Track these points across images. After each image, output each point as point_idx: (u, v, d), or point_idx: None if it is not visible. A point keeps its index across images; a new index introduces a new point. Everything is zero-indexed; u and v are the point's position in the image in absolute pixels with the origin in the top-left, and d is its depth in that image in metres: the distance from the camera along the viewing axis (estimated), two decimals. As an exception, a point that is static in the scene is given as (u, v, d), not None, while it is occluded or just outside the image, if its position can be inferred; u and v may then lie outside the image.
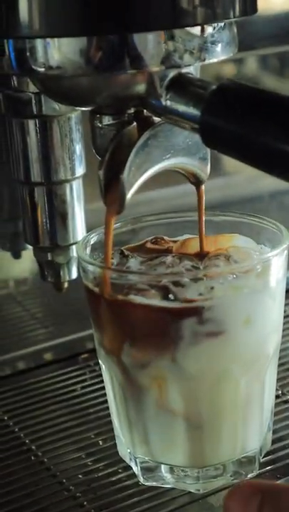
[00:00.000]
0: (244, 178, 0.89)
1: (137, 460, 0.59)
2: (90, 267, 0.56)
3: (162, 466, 0.59)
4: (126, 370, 0.57)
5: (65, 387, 0.74)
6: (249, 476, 0.59)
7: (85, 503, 0.58)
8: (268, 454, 0.61)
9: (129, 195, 0.53)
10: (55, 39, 0.49)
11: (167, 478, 0.59)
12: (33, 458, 0.64)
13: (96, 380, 0.73)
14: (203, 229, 0.59)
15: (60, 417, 0.69)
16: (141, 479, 0.60)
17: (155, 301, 0.53)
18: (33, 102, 0.62)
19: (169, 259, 0.57)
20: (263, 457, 0.60)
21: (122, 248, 0.60)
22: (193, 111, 0.49)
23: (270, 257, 0.55)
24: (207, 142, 0.49)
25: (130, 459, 0.60)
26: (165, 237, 0.62)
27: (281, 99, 0.46)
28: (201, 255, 0.58)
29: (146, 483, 0.59)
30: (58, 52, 0.49)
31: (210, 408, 0.56)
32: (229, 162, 0.90)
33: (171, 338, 0.54)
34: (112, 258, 0.58)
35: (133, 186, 0.53)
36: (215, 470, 0.58)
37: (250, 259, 0.56)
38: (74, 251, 0.66)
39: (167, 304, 0.53)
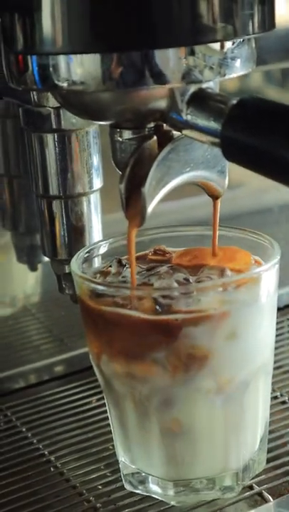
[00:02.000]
0: (252, 190, 0.90)
1: (121, 465, 0.60)
2: (77, 278, 0.57)
3: (143, 474, 0.59)
4: (106, 378, 0.58)
5: (81, 399, 0.74)
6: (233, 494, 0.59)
7: (105, 513, 0.59)
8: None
9: (150, 209, 0.53)
10: (78, 55, 0.50)
11: (148, 487, 0.59)
12: (52, 469, 0.64)
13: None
14: (216, 240, 0.60)
15: (77, 428, 0.70)
16: (125, 485, 0.60)
17: (134, 311, 0.53)
18: (52, 116, 0.63)
19: (163, 270, 0.57)
20: (252, 478, 0.60)
21: (121, 258, 0.60)
22: (213, 125, 0.50)
23: (260, 271, 0.55)
24: (228, 156, 0.50)
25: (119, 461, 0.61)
26: (166, 248, 0.63)
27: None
28: (198, 267, 0.59)
29: (129, 489, 0.60)
30: (81, 68, 0.50)
31: (185, 422, 0.57)
32: (236, 175, 0.91)
33: (149, 347, 0.54)
34: (110, 266, 0.59)
35: (154, 199, 0.54)
36: (192, 485, 0.58)
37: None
38: (91, 264, 0.67)
39: (152, 316, 0.53)
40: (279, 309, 0.85)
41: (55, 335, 0.81)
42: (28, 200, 0.74)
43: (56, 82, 0.51)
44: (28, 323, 0.80)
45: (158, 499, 0.59)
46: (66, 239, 0.67)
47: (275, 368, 0.73)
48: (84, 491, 0.61)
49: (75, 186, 0.65)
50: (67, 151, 0.64)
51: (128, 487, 0.61)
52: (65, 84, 0.51)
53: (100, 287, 0.56)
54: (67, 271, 0.68)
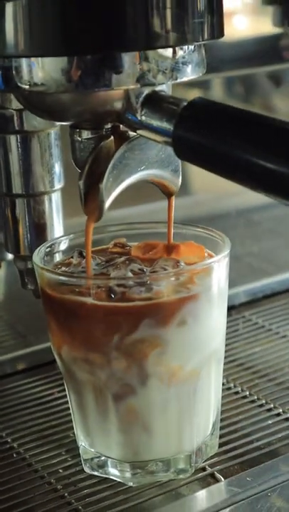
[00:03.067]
0: (212, 196, 0.94)
1: (81, 450, 0.64)
2: (38, 270, 0.61)
3: (102, 458, 0.63)
4: (66, 366, 0.61)
5: (43, 391, 0.77)
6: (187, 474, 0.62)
7: (66, 494, 0.62)
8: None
9: (107, 204, 0.57)
10: (39, 58, 0.53)
11: (107, 470, 0.63)
12: (15, 455, 0.67)
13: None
14: (171, 235, 0.63)
15: (39, 418, 0.72)
16: (85, 468, 0.64)
17: (90, 299, 0.57)
18: (15, 118, 0.66)
19: (119, 261, 0.61)
20: (204, 461, 0.64)
21: (81, 249, 0.64)
22: (166, 125, 0.53)
23: (211, 263, 0.59)
24: (179, 154, 0.53)
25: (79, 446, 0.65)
26: (125, 242, 0.66)
27: (245, 113, 0.51)
28: (154, 259, 0.62)
29: (89, 472, 0.63)
30: (42, 70, 0.53)
31: (140, 407, 0.60)
32: (197, 181, 0.94)
33: (106, 335, 0.57)
34: (72, 257, 0.63)
35: (111, 195, 0.57)
36: (148, 466, 0.62)
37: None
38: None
39: (106, 303, 0.56)
40: (234, 307, 0.91)
41: (18, 331, 0.84)
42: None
43: (18, 83, 0.54)
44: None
45: (116, 481, 0.63)
46: (28, 236, 0.70)
47: (229, 362, 0.78)
48: (45, 475, 0.64)
49: (36, 185, 0.69)
50: (30, 151, 0.68)
51: (88, 470, 0.64)
52: (27, 86, 0.54)
53: (59, 277, 0.59)
54: (29, 266, 0.72)
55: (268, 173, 0.48)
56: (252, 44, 0.87)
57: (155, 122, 0.54)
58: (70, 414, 0.71)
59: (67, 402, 0.73)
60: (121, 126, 0.59)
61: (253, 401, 0.73)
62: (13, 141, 0.67)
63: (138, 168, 0.58)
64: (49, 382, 0.78)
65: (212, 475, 0.63)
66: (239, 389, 0.75)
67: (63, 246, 0.66)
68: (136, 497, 0.61)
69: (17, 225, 0.70)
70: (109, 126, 0.59)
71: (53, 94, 0.55)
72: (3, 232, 0.72)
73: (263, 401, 0.73)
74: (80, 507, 0.60)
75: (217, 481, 0.62)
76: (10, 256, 0.78)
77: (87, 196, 0.57)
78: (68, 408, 0.72)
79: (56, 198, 0.70)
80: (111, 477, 0.63)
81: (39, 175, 0.68)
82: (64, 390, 0.75)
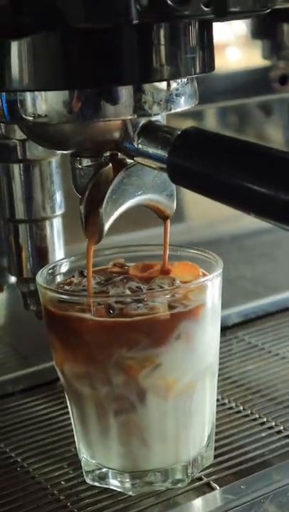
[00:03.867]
0: (206, 222, 0.97)
1: (82, 461, 0.67)
2: (41, 289, 0.64)
3: (103, 470, 0.66)
4: (68, 380, 0.64)
5: (44, 409, 0.80)
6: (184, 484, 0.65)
7: (69, 504, 0.65)
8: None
9: (106, 227, 0.61)
10: (42, 92, 0.57)
11: (108, 480, 0.66)
12: (18, 469, 0.70)
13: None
14: (167, 256, 0.67)
15: (41, 434, 0.76)
16: (86, 479, 0.67)
17: (90, 315, 0.60)
18: (18, 148, 0.70)
19: (118, 279, 0.65)
20: (200, 471, 0.67)
21: (82, 270, 0.67)
22: (161, 152, 0.57)
23: (205, 280, 0.63)
24: (173, 179, 0.57)
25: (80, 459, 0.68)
26: (124, 262, 0.70)
27: (234, 141, 0.55)
28: (151, 277, 0.66)
29: (90, 483, 0.66)
30: (45, 103, 0.57)
31: (139, 420, 0.63)
32: (191, 208, 0.98)
33: (105, 350, 0.61)
34: (73, 277, 0.66)
35: (110, 219, 0.61)
36: (147, 476, 0.65)
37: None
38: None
39: (105, 318, 0.60)
40: (228, 327, 0.94)
41: (20, 352, 0.87)
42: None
43: (23, 115, 0.58)
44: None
45: (116, 491, 0.66)
46: (31, 259, 0.74)
47: (223, 379, 0.81)
48: (48, 486, 0.67)
49: (38, 211, 0.72)
50: (32, 179, 0.72)
51: (89, 481, 0.67)
52: (31, 118, 0.58)
53: (61, 296, 0.63)
54: (31, 288, 0.75)
55: (256, 196, 0.52)
56: (243, 76, 0.91)
57: (151, 150, 0.58)
58: (70, 430, 0.74)
59: (67, 419, 0.76)
60: (119, 154, 0.63)
61: (246, 415, 0.76)
62: (16, 169, 0.71)
63: (135, 193, 0.62)
64: (49, 401, 0.82)
65: (208, 484, 0.66)
66: (233, 404, 0.78)
67: (64, 267, 0.70)
68: (135, 506, 0.64)
69: (20, 249, 0.74)
70: (107, 154, 0.63)
71: (55, 125, 0.59)
72: (7, 256, 0.76)
73: (257, 415, 0.76)
74: (82, 516, 0.63)
75: (212, 489, 0.65)
76: (12, 279, 0.82)
77: (87, 220, 0.61)
78: (69, 425, 0.75)
79: (57, 223, 0.74)
80: (111, 487, 0.66)
81: (41, 201, 0.72)
82: (64, 407, 0.79)
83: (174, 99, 0.59)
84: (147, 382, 0.62)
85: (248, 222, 0.97)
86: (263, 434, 0.73)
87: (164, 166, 0.57)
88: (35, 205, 0.72)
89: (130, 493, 0.65)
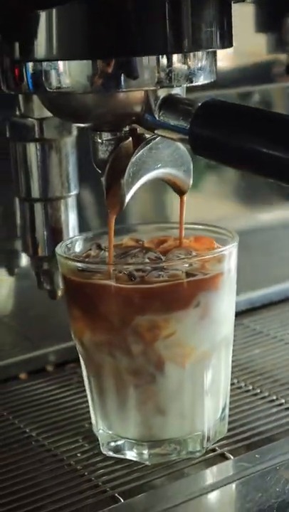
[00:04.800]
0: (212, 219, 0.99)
1: (99, 432, 0.68)
2: (62, 260, 0.66)
3: (119, 438, 0.67)
4: (87, 351, 0.66)
5: (56, 389, 0.81)
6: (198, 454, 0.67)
7: (86, 473, 0.66)
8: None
9: (127, 198, 0.62)
10: (67, 62, 0.58)
11: (124, 451, 0.67)
12: (33, 443, 0.71)
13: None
14: (183, 231, 0.68)
15: (55, 411, 0.77)
16: (103, 450, 0.68)
17: (113, 282, 0.62)
18: (36, 127, 0.72)
19: (136, 250, 0.66)
20: (216, 442, 0.68)
21: (99, 243, 0.69)
22: (182, 124, 0.59)
23: (222, 251, 0.64)
24: (195, 150, 0.59)
25: (97, 432, 0.69)
26: (138, 238, 0.71)
27: (252, 110, 0.57)
28: (167, 250, 0.67)
29: (106, 454, 0.68)
30: (69, 73, 0.58)
31: (157, 387, 0.64)
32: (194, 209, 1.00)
33: (126, 316, 0.62)
34: (90, 250, 0.68)
35: (130, 190, 0.62)
36: (164, 446, 0.66)
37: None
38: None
39: (128, 285, 0.61)
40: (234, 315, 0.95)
41: (29, 335, 0.88)
42: (8, 208, 0.81)
43: (47, 86, 0.59)
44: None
45: (132, 461, 0.67)
46: (45, 237, 0.75)
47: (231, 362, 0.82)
48: (64, 458, 0.68)
49: (54, 190, 0.74)
50: (48, 158, 0.73)
51: (105, 452, 0.68)
52: (55, 89, 0.59)
53: (83, 264, 0.64)
54: (45, 267, 0.77)
55: (278, 162, 0.54)
56: (247, 67, 0.93)
57: (172, 122, 0.60)
58: (82, 408, 0.76)
59: (78, 399, 0.78)
60: (138, 129, 0.64)
61: (255, 394, 0.78)
62: (33, 148, 0.73)
63: (154, 166, 0.64)
64: (59, 383, 0.82)
65: (222, 455, 0.67)
66: (243, 384, 0.79)
67: (81, 243, 0.71)
68: (151, 474, 0.65)
69: (35, 228, 0.75)
70: (127, 129, 0.64)
71: (77, 96, 0.60)
72: (22, 236, 0.77)
73: (266, 394, 0.77)
74: (99, 483, 0.64)
75: (227, 459, 0.66)
76: (23, 262, 0.84)
77: (109, 191, 0.63)
78: (80, 403, 0.77)
79: (72, 202, 0.75)
80: (128, 458, 0.67)
81: (56, 181, 0.73)
82: (74, 388, 0.80)
83: (196, 72, 0.60)
84: (165, 350, 0.63)
85: (250, 219, 1.02)
86: (274, 410, 0.74)
87: (186, 137, 0.59)
88: (51, 184, 0.74)
89: (147, 462, 0.66)
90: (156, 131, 0.62)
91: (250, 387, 0.79)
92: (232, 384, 0.79)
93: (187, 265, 0.62)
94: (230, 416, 0.72)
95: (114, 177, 0.62)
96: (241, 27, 0.65)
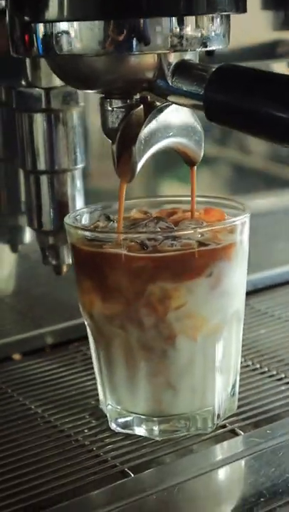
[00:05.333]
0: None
1: (108, 407, 0.66)
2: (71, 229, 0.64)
3: (128, 413, 0.66)
4: (97, 324, 0.64)
5: (60, 367, 0.80)
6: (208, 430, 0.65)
7: (94, 448, 0.64)
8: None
9: (139, 166, 0.61)
10: (78, 24, 0.57)
11: (133, 426, 0.65)
12: (38, 419, 0.70)
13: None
14: (194, 203, 0.67)
15: (60, 389, 0.75)
16: (111, 426, 0.66)
17: (125, 251, 0.60)
18: (43, 97, 0.70)
19: (147, 220, 0.65)
20: (225, 419, 0.67)
21: (108, 214, 0.67)
22: (197, 89, 0.57)
23: (234, 221, 0.63)
24: (210, 116, 0.57)
25: (105, 408, 0.67)
26: (146, 209, 0.70)
27: (270, 74, 0.55)
28: (178, 221, 0.66)
29: (115, 429, 0.66)
30: (80, 35, 0.57)
31: (168, 361, 0.63)
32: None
33: (138, 287, 0.61)
34: (99, 221, 0.66)
35: (142, 158, 0.61)
36: (174, 421, 0.65)
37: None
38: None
39: (140, 254, 0.60)
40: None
41: (33, 314, 0.87)
42: (11, 183, 0.80)
43: (57, 49, 0.58)
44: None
45: (141, 437, 0.65)
46: (51, 211, 0.73)
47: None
48: (72, 434, 0.67)
49: (60, 162, 0.72)
50: (55, 129, 0.71)
51: (114, 428, 0.66)
52: (64, 51, 0.58)
53: (93, 233, 0.63)
54: (51, 242, 0.75)
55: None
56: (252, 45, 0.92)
57: (186, 87, 0.58)
58: (87, 386, 0.75)
59: (82, 377, 0.77)
60: (149, 97, 0.63)
61: (263, 372, 0.76)
62: (40, 119, 0.71)
63: (166, 134, 0.62)
64: (63, 361, 0.81)
65: (232, 431, 0.66)
66: (250, 363, 0.78)
67: (88, 215, 0.69)
68: (160, 450, 0.64)
69: (40, 201, 0.73)
70: (138, 96, 0.63)
71: (88, 60, 0.59)
72: (27, 209, 0.75)
73: (274, 372, 0.76)
74: (108, 458, 0.63)
75: (237, 435, 0.65)
76: (27, 238, 0.82)
77: (120, 159, 0.61)
78: (85, 381, 0.76)
79: (78, 175, 0.74)
80: (136, 433, 0.65)
81: (63, 153, 0.72)
82: (77, 367, 0.79)
83: (210, 36, 0.59)
84: (177, 322, 0.62)
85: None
86: (282, 388, 0.73)
87: (200, 103, 0.57)
88: (57, 156, 0.72)
89: (156, 438, 0.65)
90: (168, 98, 0.60)
91: (258, 366, 0.78)
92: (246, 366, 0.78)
93: (201, 234, 0.61)
94: (239, 393, 0.71)
95: (125, 144, 0.61)
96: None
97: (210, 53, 0.69)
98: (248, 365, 0.78)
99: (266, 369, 0.77)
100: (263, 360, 0.79)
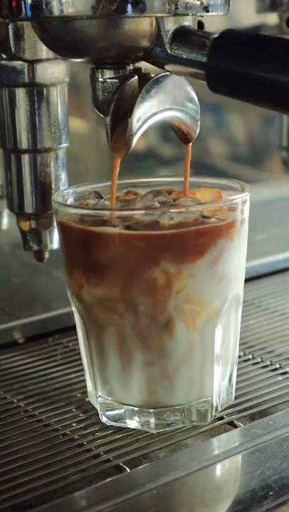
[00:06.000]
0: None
1: (98, 400, 0.62)
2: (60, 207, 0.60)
3: (120, 405, 0.62)
4: (87, 308, 0.60)
5: (39, 360, 0.75)
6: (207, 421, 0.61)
7: (84, 442, 0.60)
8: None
9: (135, 139, 0.57)
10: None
11: (126, 419, 0.62)
12: (22, 413, 0.65)
13: (76, 351, 0.75)
14: (188, 181, 0.63)
15: (43, 381, 0.71)
16: (102, 419, 0.62)
17: (118, 229, 0.56)
18: (26, 70, 0.66)
19: (145, 193, 0.61)
20: (222, 410, 0.63)
21: (97, 191, 0.63)
22: (198, 56, 0.54)
23: (234, 199, 0.59)
24: (213, 85, 0.54)
25: (95, 400, 0.63)
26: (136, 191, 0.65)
27: (275, 39, 0.52)
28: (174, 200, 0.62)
29: (106, 422, 0.62)
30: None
31: (164, 349, 0.59)
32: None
33: (131, 267, 0.57)
34: (88, 198, 0.62)
35: (138, 131, 0.57)
36: (170, 413, 0.61)
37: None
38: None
39: (134, 231, 0.56)
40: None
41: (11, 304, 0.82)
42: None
43: (47, 11, 0.54)
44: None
45: (134, 430, 0.61)
46: (33, 193, 0.69)
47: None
48: (59, 427, 0.63)
49: (44, 141, 0.68)
50: (39, 105, 0.67)
51: (105, 421, 0.62)
52: (54, 14, 0.54)
53: (83, 211, 0.59)
54: (33, 226, 0.71)
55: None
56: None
57: (186, 55, 0.55)
58: (71, 379, 0.71)
59: (65, 370, 0.73)
60: (142, 69, 0.59)
61: (256, 363, 0.73)
62: (22, 94, 0.67)
63: (162, 106, 0.59)
64: (42, 354, 0.77)
65: (231, 423, 0.62)
66: (242, 353, 0.75)
67: (76, 195, 0.65)
68: (156, 443, 0.60)
69: (22, 182, 0.69)
70: (131, 67, 0.59)
71: (80, 25, 0.55)
72: (6, 190, 0.71)
73: (268, 362, 0.73)
74: (101, 452, 0.59)
75: (236, 427, 0.61)
76: (5, 223, 0.78)
77: (114, 132, 0.57)
78: (69, 374, 0.72)
79: (62, 155, 0.70)
80: (129, 426, 0.61)
81: (47, 131, 0.68)
82: (58, 360, 0.75)
83: (211, 2, 0.55)
84: (174, 307, 0.58)
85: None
86: (279, 379, 0.70)
87: (200, 71, 0.54)
88: (40, 134, 0.68)
89: (151, 431, 0.61)
90: (166, 67, 0.57)
91: (250, 356, 0.74)
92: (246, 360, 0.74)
93: (198, 212, 0.57)
94: (241, 388, 0.67)
95: (119, 117, 0.57)
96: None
97: (201, 26, 0.66)
98: (240, 356, 0.74)
99: (259, 359, 0.74)
100: (255, 350, 0.76)
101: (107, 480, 0.56)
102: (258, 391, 0.67)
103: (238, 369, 0.70)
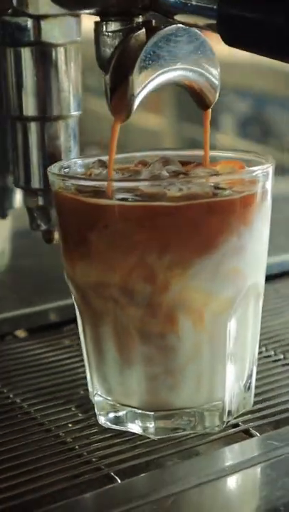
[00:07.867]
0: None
1: (96, 399, 0.56)
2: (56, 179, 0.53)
3: (120, 406, 0.54)
4: (82, 292, 0.53)
5: (41, 353, 0.69)
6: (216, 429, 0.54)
7: (76, 447, 0.53)
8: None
9: (137, 101, 0.49)
10: None
11: (126, 422, 0.54)
12: (17, 410, 0.59)
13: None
14: (208, 150, 0.55)
15: (42, 377, 0.64)
16: (100, 420, 0.55)
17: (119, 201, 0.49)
18: (31, 27, 0.59)
19: (154, 160, 0.53)
20: (238, 416, 0.55)
21: (102, 159, 0.56)
22: (209, 3, 0.46)
23: (257, 170, 0.51)
24: (226, 35, 0.46)
25: (94, 400, 0.56)
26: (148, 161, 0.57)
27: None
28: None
29: (103, 425, 0.55)
30: None
31: (168, 343, 0.51)
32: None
33: (130, 249, 0.49)
34: (92, 167, 0.55)
35: (142, 91, 0.50)
36: (175, 417, 0.53)
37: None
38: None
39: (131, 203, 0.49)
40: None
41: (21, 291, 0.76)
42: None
43: None
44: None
45: (135, 434, 0.54)
46: (41, 166, 0.62)
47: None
48: (52, 428, 0.56)
49: (53, 108, 0.61)
50: (47, 67, 0.60)
51: (102, 423, 0.55)
52: None
53: (80, 182, 0.52)
54: (40, 203, 0.64)
55: None
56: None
57: (196, 2, 0.47)
58: (77, 373, 0.65)
59: (72, 363, 0.67)
60: (153, 21, 0.52)
61: (286, 364, 0.65)
62: (28, 54, 0.60)
63: (172, 63, 0.51)
64: (51, 345, 0.70)
65: (246, 431, 0.54)
66: (272, 353, 0.67)
67: (81, 166, 0.58)
68: (157, 451, 0.52)
69: (28, 154, 0.62)
70: (140, 20, 0.51)
71: None
72: (12, 163, 0.64)
73: (295, 360, 0.65)
74: (93, 459, 0.52)
75: (252, 436, 0.53)
76: (18, 203, 0.71)
77: (114, 93, 0.50)
78: (74, 368, 0.66)
79: (74, 124, 0.63)
80: (129, 430, 0.54)
81: (56, 96, 0.61)
82: (71, 351, 0.68)
83: None
84: (179, 295, 0.50)
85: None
86: (309, 381, 0.61)
87: (213, 21, 0.46)
88: (48, 100, 0.61)
89: (152, 437, 0.53)
90: (175, 17, 0.49)
91: (281, 357, 0.66)
92: (259, 353, 0.65)
93: (213, 183, 0.49)
94: (257, 387, 0.59)
95: (121, 74, 0.50)
96: None
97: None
98: (269, 355, 0.66)
99: (281, 356, 0.65)
100: (287, 350, 0.67)
101: (93, 492, 0.48)
102: (282, 396, 0.59)
103: (263, 369, 0.63)
